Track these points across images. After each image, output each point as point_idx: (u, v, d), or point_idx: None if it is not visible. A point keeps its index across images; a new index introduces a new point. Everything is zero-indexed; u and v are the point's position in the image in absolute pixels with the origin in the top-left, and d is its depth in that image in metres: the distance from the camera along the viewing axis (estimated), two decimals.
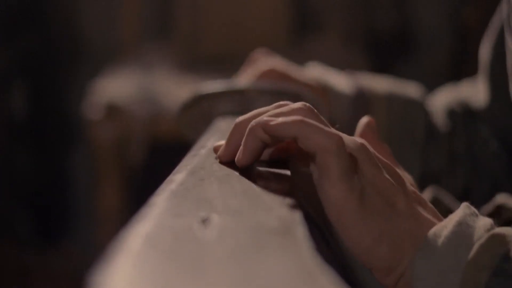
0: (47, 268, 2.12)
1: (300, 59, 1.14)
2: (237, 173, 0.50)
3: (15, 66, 2.16)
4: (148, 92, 1.85)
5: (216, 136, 0.66)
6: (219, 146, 0.54)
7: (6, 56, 2.14)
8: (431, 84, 1.17)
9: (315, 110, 0.49)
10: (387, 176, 0.49)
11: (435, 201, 0.75)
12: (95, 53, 2.21)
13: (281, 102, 0.52)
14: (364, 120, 0.59)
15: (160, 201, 0.43)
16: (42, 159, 2.23)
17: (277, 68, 0.83)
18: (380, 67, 2.08)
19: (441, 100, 0.93)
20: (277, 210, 0.42)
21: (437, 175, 0.88)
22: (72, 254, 2.16)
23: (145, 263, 0.33)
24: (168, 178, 0.49)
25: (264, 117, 0.49)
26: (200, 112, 0.80)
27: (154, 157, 1.82)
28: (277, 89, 0.76)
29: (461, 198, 0.84)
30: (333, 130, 0.47)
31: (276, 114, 0.49)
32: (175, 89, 1.85)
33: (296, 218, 0.41)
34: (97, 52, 2.20)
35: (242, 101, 0.77)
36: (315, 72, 0.91)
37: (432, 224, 0.48)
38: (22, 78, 2.19)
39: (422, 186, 0.85)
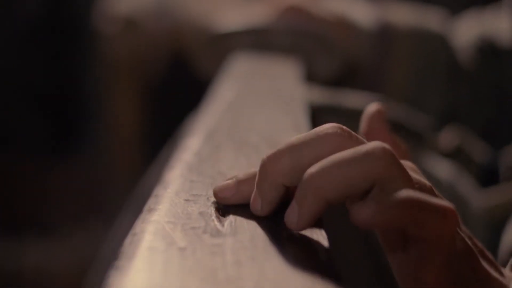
0: (64, 177, 2.14)
1: None
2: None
3: None
4: (168, 3, 1.81)
5: (229, 82, 0.66)
6: (223, 189, 0.39)
7: None
8: (455, 7, 1.14)
9: (395, 154, 0.36)
10: (475, 243, 0.41)
11: (459, 151, 0.74)
12: None
13: (327, 129, 0.37)
14: (372, 108, 0.47)
15: (174, 178, 0.41)
16: (59, 68, 2.21)
17: (297, 5, 0.81)
18: None
19: (465, 34, 0.91)
20: None
21: (460, 112, 0.87)
22: (88, 163, 2.18)
23: (157, 258, 0.32)
24: (183, 144, 0.48)
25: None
26: (219, 48, 0.80)
27: (173, 72, 1.81)
28: (297, 29, 0.75)
29: (484, 137, 0.83)
30: (444, 202, 0.36)
31: (344, 162, 0.35)
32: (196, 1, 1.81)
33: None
34: None
35: (261, 38, 0.77)
36: (337, 3, 0.89)
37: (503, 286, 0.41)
38: None
39: (444, 122, 0.84)
